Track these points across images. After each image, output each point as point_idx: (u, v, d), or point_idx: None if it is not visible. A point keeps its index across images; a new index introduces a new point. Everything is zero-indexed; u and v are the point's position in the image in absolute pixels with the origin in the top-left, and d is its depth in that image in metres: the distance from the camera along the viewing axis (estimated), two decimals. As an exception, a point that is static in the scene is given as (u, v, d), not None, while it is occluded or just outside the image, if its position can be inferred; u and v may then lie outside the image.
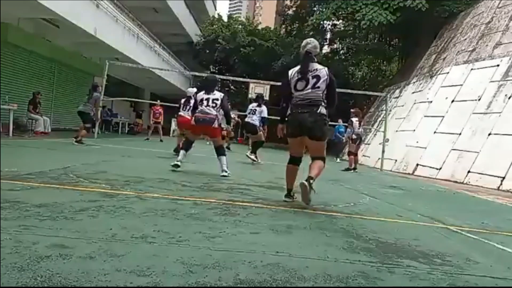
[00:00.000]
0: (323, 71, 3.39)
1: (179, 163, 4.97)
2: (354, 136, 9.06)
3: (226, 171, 5.01)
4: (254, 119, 8.00)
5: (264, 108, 8.20)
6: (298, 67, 3.46)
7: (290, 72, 3.50)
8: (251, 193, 3.81)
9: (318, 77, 3.33)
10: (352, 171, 8.85)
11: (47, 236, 1.78)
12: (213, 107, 5.11)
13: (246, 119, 8.16)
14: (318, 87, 3.33)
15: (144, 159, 6.53)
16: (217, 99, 5.15)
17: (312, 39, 3.65)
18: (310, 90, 3.34)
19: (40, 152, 6.20)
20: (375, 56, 24.85)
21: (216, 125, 5.14)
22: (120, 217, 2.32)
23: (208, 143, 12.19)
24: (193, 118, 5.22)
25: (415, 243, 2.44)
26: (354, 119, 9.09)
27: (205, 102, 5.11)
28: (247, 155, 7.78)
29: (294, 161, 3.53)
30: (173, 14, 20.61)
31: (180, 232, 2.09)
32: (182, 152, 5.15)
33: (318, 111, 3.31)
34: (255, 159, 7.75)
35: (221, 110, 5.29)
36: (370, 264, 1.88)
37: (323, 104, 3.34)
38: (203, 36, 26.11)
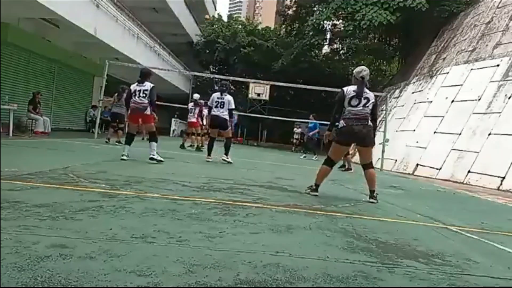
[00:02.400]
0: (371, 94, 4.21)
1: (125, 157, 5.68)
2: None
3: (154, 156, 5.75)
4: (224, 113, 7.04)
5: (230, 98, 7.15)
6: (352, 87, 4.17)
7: (345, 89, 4.19)
8: (251, 193, 3.81)
9: (368, 99, 4.13)
10: (347, 171, 8.75)
11: (47, 236, 1.78)
12: (143, 97, 5.81)
13: (214, 113, 7.07)
14: (368, 106, 4.11)
15: (144, 160, 6.52)
16: (146, 90, 5.82)
17: (365, 67, 4.38)
18: (361, 107, 4.10)
19: (40, 152, 6.19)
20: (375, 56, 24.86)
21: (148, 112, 5.85)
22: (120, 217, 2.32)
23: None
24: (129, 108, 5.95)
25: (415, 243, 2.44)
26: None
27: (137, 93, 5.83)
28: (223, 160, 7.06)
29: (332, 164, 4.23)
30: (173, 14, 20.60)
31: (180, 232, 2.09)
32: (126, 146, 5.87)
33: (368, 124, 4.12)
34: (230, 160, 7.09)
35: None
36: (370, 264, 1.88)
37: (369, 118, 4.14)
38: (203, 36, 26.10)
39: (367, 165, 4.22)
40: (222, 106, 7.04)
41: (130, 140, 5.96)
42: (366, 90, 4.17)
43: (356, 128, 4.05)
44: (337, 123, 4.27)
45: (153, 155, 5.76)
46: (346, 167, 8.93)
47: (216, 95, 7.19)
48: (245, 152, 12.85)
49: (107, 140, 9.07)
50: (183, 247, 1.85)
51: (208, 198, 3.25)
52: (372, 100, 4.16)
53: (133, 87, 5.90)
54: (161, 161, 5.78)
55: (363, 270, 1.78)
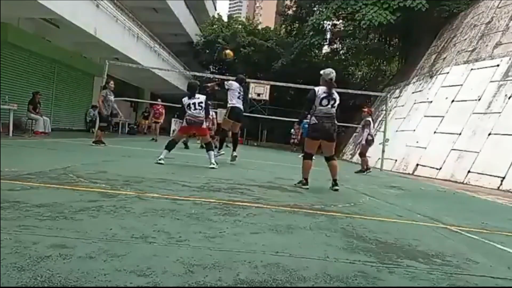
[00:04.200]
0: (337, 95, 4.74)
1: (162, 161, 5.64)
2: (369, 137, 8.79)
3: (213, 164, 5.87)
4: (242, 106, 6.94)
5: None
6: (323, 88, 4.69)
7: (316, 89, 4.70)
8: (251, 193, 3.81)
9: (335, 100, 4.70)
10: (366, 172, 8.52)
11: (47, 236, 1.78)
12: (199, 109, 5.99)
13: (237, 104, 6.81)
14: (334, 106, 4.70)
15: (144, 159, 6.53)
16: (201, 102, 6.02)
17: (332, 69, 4.83)
18: (330, 107, 4.66)
19: (40, 152, 6.19)
20: (375, 56, 24.83)
21: (204, 125, 6.16)
22: (120, 217, 2.32)
23: (198, 141, 12.20)
24: (185, 120, 6.06)
25: (415, 243, 2.44)
26: (370, 119, 8.86)
27: (192, 107, 5.96)
28: (233, 157, 6.99)
29: (311, 157, 4.78)
30: (173, 14, 20.60)
31: (180, 232, 2.09)
32: (165, 151, 5.87)
33: (335, 122, 4.71)
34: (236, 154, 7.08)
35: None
36: (370, 264, 1.88)
37: (335, 117, 4.72)
38: (203, 36, 26.11)
39: (330, 158, 4.82)
40: (242, 98, 6.98)
41: (172, 147, 6.01)
42: (334, 91, 4.72)
43: (327, 126, 4.63)
44: (307, 120, 4.78)
45: (212, 163, 5.86)
46: (365, 168, 8.68)
47: (237, 85, 6.93)
48: (245, 152, 12.84)
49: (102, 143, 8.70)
50: (183, 247, 1.85)
51: (208, 198, 3.25)
52: (338, 101, 4.73)
53: (186, 101, 6.00)
54: (215, 168, 5.78)
55: (363, 270, 1.78)
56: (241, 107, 6.98)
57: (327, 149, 4.81)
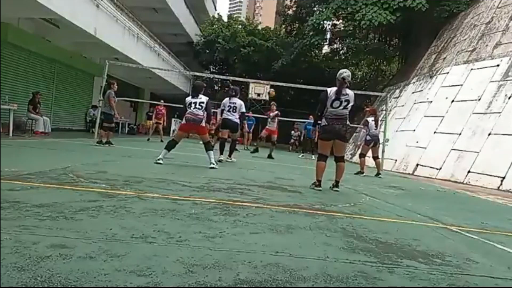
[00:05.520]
0: (352, 95, 4.66)
1: (161, 161, 5.64)
2: (368, 138, 8.36)
3: (213, 163, 5.91)
4: (236, 117, 7.41)
5: (241, 102, 7.47)
6: (335, 89, 4.62)
7: (328, 90, 4.66)
8: (251, 193, 3.81)
9: (348, 101, 4.63)
10: (361, 175, 8.01)
11: (47, 236, 1.78)
12: (199, 109, 6.01)
13: (226, 116, 7.38)
14: (347, 108, 4.65)
15: (144, 160, 6.53)
16: (203, 102, 6.05)
17: (347, 70, 4.79)
18: (341, 108, 4.62)
19: (40, 152, 6.19)
20: (375, 56, 24.83)
21: (203, 124, 6.08)
22: (120, 217, 2.32)
23: (200, 142, 12.23)
24: (184, 118, 6.07)
25: (415, 243, 2.44)
26: (370, 119, 8.37)
27: (193, 105, 6.00)
28: (227, 160, 7.41)
29: (324, 159, 4.72)
30: (173, 14, 20.59)
31: (180, 232, 2.09)
32: (164, 151, 5.87)
33: (346, 123, 4.71)
34: (234, 159, 7.64)
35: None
36: (370, 264, 1.88)
37: (347, 118, 4.72)
38: (203, 36, 26.10)
39: (339, 158, 4.83)
40: (234, 110, 7.37)
41: (172, 147, 6.01)
42: (348, 91, 4.64)
43: (337, 127, 4.64)
44: (319, 122, 4.77)
45: (212, 163, 5.92)
46: (361, 170, 8.33)
47: (227, 100, 7.48)
48: (245, 152, 12.86)
49: (107, 143, 8.71)
50: (183, 247, 1.85)
51: (208, 198, 3.25)
52: (352, 102, 4.67)
53: (188, 100, 6.12)
54: (215, 168, 5.86)
55: (363, 270, 1.78)
56: (233, 118, 7.37)
57: (338, 149, 4.82)
